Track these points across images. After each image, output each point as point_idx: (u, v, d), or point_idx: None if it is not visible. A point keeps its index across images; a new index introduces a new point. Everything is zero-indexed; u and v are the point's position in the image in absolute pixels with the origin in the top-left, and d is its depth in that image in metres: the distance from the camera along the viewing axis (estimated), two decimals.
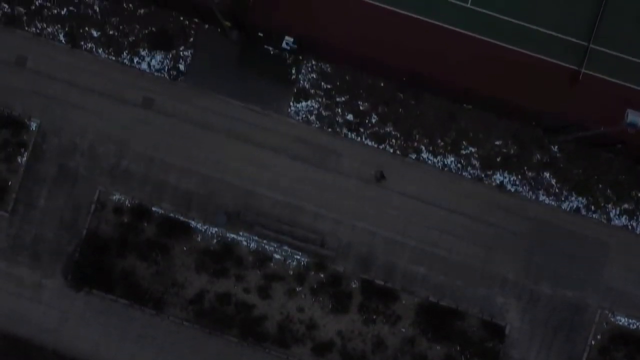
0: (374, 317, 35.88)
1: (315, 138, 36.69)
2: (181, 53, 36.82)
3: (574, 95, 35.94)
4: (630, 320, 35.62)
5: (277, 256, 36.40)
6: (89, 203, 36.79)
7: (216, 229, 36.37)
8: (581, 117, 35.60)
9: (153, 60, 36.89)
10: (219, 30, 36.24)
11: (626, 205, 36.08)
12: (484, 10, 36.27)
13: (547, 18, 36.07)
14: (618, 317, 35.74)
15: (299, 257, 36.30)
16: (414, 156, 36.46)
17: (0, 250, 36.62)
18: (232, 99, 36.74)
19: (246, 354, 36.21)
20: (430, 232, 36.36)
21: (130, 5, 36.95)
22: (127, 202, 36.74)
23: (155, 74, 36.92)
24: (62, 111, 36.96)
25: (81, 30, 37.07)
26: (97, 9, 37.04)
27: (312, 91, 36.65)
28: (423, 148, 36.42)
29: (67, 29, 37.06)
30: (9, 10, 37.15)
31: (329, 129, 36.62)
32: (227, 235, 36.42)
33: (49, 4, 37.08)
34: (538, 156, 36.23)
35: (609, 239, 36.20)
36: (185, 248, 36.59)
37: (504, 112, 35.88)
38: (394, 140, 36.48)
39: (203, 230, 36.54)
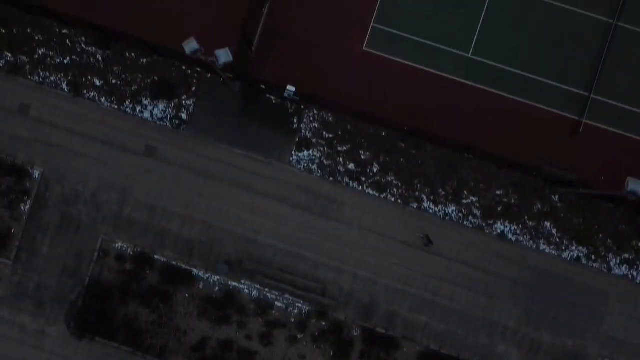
0: None
1: (317, 187, 36.84)
2: (183, 102, 36.96)
3: (575, 146, 36.06)
4: None
5: (278, 304, 36.58)
6: (92, 251, 36.97)
7: (218, 277, 36.58)
8: (582, 167, 35.73)
9: (155, 109, 37.05)
10: (221, 80, 36.35)
11: (626, 255, 36.21)
12: (485, 61, 36.38)
13: (548, 68, 36.18)
14: None
15: (300, 305, 36.48)
16: (415, 205, 36.60)
17: (3, 298, 36.81)
18: (234, 147, 36.89)
19: None
20: (431, 281, 36.52)
21: (133, 54, 37.08)
22: (129, 250, 36.91)
23: (158, 122, 37.08)
24: (65, 159, 37.12)
25: (84, 79, 37.22)
26: (100, 58, 37.19)
27: (314, 140, 36.79)
28: (424, 197, 36.56)
29: (69, 78, 37.21)
30: (12, 58, 37.31)
31: (331, 178, 36.77)
32: (229, 283, 36.60)
33: (51, 53, 37.23)
34: (539, 206, 36.35)
35: (609, 288, 36.34)
36: (187, 295, 36.77)
37: (504, 163, 35.96)
38: (395, 190, 36.63)
39: (205, 278, 36.72)
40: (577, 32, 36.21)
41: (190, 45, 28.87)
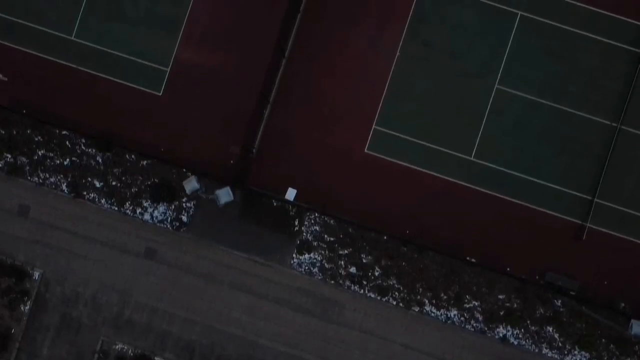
0: None
1: (318, 290, 36.65)
2: (184, 204, 36.76)
3: (578, 249, 35.79)
4: None
5: None
6: (92, 352, 36.86)
7: None
8: (584, 271, 35.50)
9: (156, 212, 36.87)
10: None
11: None
12: (487, 164, 36.13)
13: (551, 172, 35.91)
14: None
15: None
16: (416, 309, 36.39)
17: None
18: (235, 249, 36.71)
19: None
20: None
21: (133, 156, 36.90)
22: (130, 352, 36.79)
23: (158, 224, 36.90)
24: (65, 260, 36.99)
25: (84, 181, 37.06)
26: (100, 160, 37.01)
27: (315, 243, 36.59)
28: (426, 301, 36.34)
29: (69, 179, 37.05)
30: (12, 159, 37.16)
31: (332, 281, 36.57)
32: None
33: (51, 154, 37.06)
34: (541, 310, 36.11)
35: None
36: None
37: (506, 267, 35.76)
38: (396, 293, 36.41)
39: None
40: (580, 136, 35.91)
41: (191, 185, 28.76)
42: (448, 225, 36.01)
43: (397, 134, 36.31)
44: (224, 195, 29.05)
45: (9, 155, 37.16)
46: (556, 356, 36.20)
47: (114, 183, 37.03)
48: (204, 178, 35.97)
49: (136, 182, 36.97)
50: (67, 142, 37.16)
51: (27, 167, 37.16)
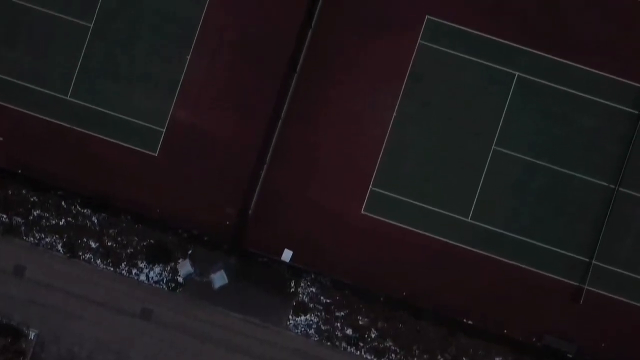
0: None
1: (314, 351, 36.51)
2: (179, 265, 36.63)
3: (576, 312, 35.61)
4: None
5: None
6: None
7: None
8: (582, 333, 35.33)
9: (151, 272, 36.75)
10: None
11: None
12: (484, 225, 35.93)
13: (549, 234, 35.72)
14: None
15: None
16: None
17: None
18: (231, 310, 36.57)
19: None
20: None
21: (128, 217, 36.77)
22: None
23: (154, 285, 36.79)
24: (61, 320, 36.88)
25: (79, 241, 36.95)
26: (95, 221, 36.89)
27: (311, 305, 36.44)
28: None
29: (65, 239, 36.95)
30: (7, 219, 37.06)
31: (328, 343, 36.43)
32: None
33: (47, 215, 36.95)
34: None
35: None
36: None
37: (503, 329, 35.58)
38: (393, 355, 36.27)
39: None
40: (579, 197, 35.71)
41: (185, 269, 28.66)
42: (445, 287, 35.84)
43: (394, 195, 36.13)
44: (219, 279, 29.03)
45: (4, 215, 37.05)
46: None
47: (109, 244, 36.91)
48: (199, 247, 35.97)
49: (132, 242, 36.84)
50: (63, 202, 37.03)
51: (23, 227, 37.06)
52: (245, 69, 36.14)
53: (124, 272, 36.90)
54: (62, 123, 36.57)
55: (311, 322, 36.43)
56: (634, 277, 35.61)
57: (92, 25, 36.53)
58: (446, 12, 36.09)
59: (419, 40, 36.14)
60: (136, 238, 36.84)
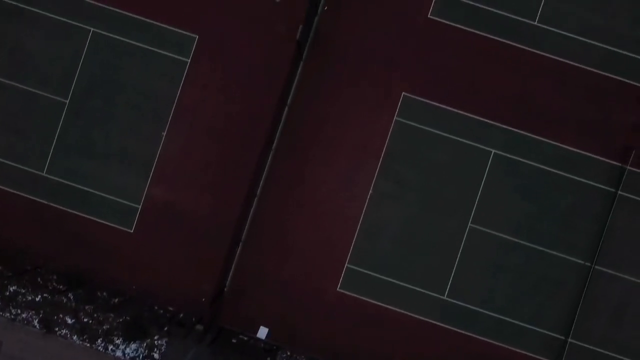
0: None
1: None
2: (156, 342, 36.61)
3: None
4: None
5: None
6: None
7: None
8: None
9: (128, 349, 36.72)
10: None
11: None
12: (461, 303, 35.93)
13: (525, 311, 35.77)
14: None
15: None
16: None
17: None
18: None
19: None
20: None
21: (105, 293, 36.74)
22: None
23: None
24: None
25: (55, 317, 36.90)
26: (71, 297, 36.85)
27: None
28: None
29: (41, 315, 36.91)
30: None
31: None
32: None
33: (23, 291, 36.91)
34: None
35: None
36: None
37: None
38: None
39: None
40: (554, 275, 35.73)
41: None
42: None
43: (370, 273, 36.12)
44: None
45: None
46: None
47: (85, 320, 36.88)
48: (175, 324, 35.95)
49: (108, 319, 36.81)
50: (39, 278, 36.98)
51: None
52: (221, 147, 36.10)
53: (100, 348, 36.87)
54: (38, 199, 36.52)
55: None
56: (610, 355, 35.63)
57: (68, 102, 36.49)
58: (422, 90, 36.07)
59: (395, 117, 36.12)
60: (112, 314, 36.80)
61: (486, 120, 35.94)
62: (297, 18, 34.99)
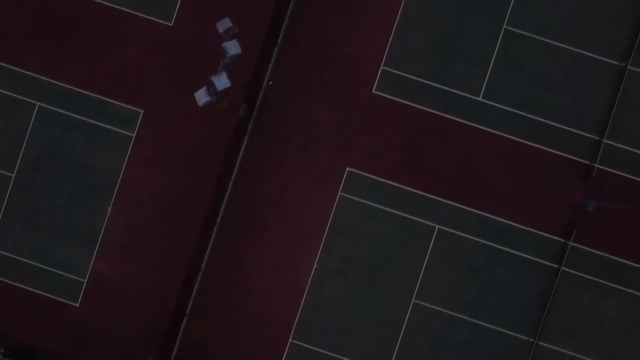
0: None
1: None
2: None
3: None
4: None
5: None
6: None
7: None
8: None
9: None
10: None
11: None
12: None
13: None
14: None
15: None
16: None
17: None
18: None
19: None
20: None
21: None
22: None
23: None
24: None
25: None
26: None
27: None
28: None
29: None
30: None
31: None
32: None
33: None
34: None
35: None
36: None
37: None
38: None
39: None
40: (498, 351, 35.83)
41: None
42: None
43: (313, 348, 36.20)
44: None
45: None
46: None
47: None
48: None
49: None
50: None
51: None
52: (165, 222, 36.21)
53: None
54: None
55: None
56: None
57: (14, 176, 36.61)
58: (367, 165, 36.16)
59: (339, 192, 36.20)
60: None
61: (430, 196, 36.01)
62: (239, 95, 35.08)
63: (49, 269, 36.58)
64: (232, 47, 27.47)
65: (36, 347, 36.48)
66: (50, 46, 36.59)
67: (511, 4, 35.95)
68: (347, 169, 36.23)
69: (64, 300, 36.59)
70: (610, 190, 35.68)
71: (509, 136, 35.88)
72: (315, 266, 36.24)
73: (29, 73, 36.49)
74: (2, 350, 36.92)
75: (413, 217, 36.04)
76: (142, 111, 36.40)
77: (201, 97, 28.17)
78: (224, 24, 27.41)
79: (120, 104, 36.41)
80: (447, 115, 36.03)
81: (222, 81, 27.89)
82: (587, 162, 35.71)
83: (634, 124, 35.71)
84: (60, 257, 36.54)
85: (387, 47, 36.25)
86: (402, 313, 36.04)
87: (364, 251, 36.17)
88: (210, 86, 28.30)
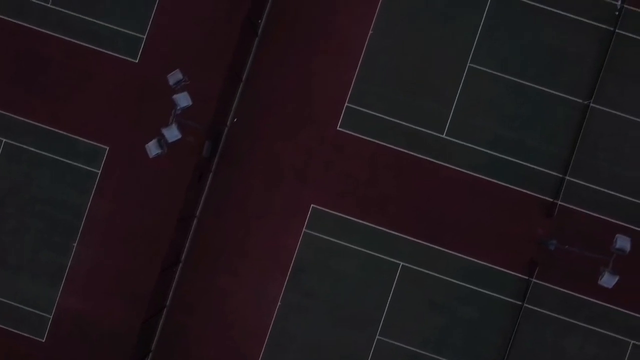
0: None
1: None
2: None
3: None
4: None
5: None
6: None
7: None
8: None
9: None
10: None
11: None
12: None
13: None
14: None
15: None
16: None
17: None
18: None
19: None
20: None
21: None
22: None
23: None
24: None
25: None
26: None
27: None
28: None
29: None
30: None
31: None
32: None
33: None
34: None
35: None
36: None
37: None
38: None
39: None
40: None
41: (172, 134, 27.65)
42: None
43: None
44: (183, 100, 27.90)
45: None
46: None
47: None
48: None
49: None
50: None
51: None
52: (131, 257, 36.36)
53: None
54: None
55: None
56: None
57: None
58: (331, 202, 36.32)
59: (304, 229, 36.36)
60: None
61: (395, 233, 36.17)
62: (203, 133, 35.24)
63: (16, 304, 36.73)
64: (183, 100, 27.49)
65: None
66: (16, 83, 36.77)
67: (475, 42, 36.12)
68: (312, 205, 36.40)
69: (30, 336, 36.73)
70: (573, 226, 35.86)
71: (472, 173, 36.05)
72: (279, 303, 36.39)
73: None
74: None
75: (377, 254, 36.20)
76: (108, 148, 36.57)
77: (152, 149, 28.26)
78: (175, 77, 27.44)
79: (87, 140, 36.59)
80: (411, 153, 36.20)
81: (172, 133, 27.97)
82: (551, 200, 35.87)
83: (597, 162, 35.88)
84: (26, 293, 36.69)
85: (352, 84, 36.42)
86: (366, 349, 36.19)
87: (328, 288, 36.33)
88: (162, 138, 28.42)
